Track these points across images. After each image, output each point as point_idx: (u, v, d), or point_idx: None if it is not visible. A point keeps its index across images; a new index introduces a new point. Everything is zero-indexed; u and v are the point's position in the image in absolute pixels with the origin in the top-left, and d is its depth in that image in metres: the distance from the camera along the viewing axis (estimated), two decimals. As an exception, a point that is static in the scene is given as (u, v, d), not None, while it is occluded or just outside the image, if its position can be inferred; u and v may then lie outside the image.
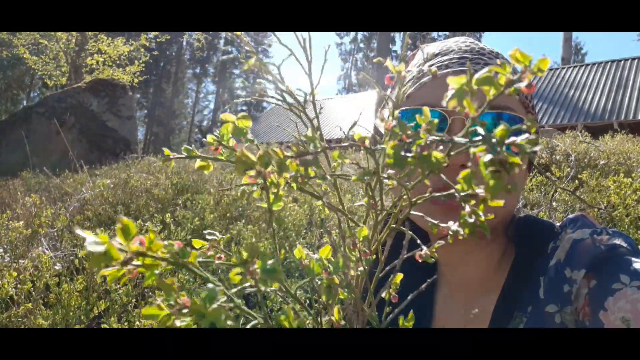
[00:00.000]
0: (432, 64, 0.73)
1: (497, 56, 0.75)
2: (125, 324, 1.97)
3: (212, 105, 45.85)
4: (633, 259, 0.54)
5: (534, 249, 0.65)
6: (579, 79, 16.47)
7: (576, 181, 4.22)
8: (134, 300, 2.13)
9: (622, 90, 14.99)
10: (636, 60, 16.34)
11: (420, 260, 0.41)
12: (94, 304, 2.04)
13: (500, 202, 0.28)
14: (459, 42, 0.76)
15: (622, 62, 16.56)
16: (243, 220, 3.24)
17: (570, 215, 0.68)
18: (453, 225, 0.38)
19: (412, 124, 0.62)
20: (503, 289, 0.65)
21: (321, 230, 3.48)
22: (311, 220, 3.67)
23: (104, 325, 1.89)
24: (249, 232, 2.95)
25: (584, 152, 5.33)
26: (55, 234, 3.07)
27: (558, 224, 0.68)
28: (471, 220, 0.30)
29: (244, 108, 48.28)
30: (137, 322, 1.91)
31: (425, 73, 0.68)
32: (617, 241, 0.57)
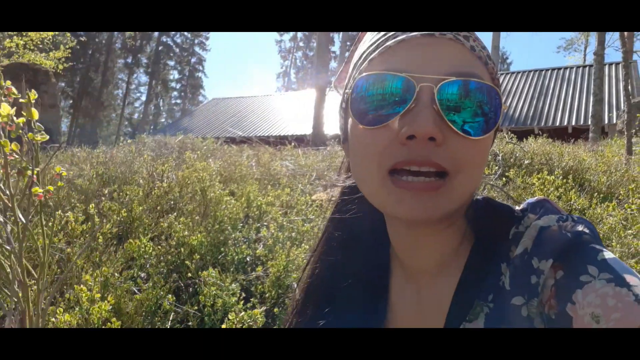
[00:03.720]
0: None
1: None
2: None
3: (143, 97, 44.05)
4: (598, 247, 0.52)
5: (494, 233, 0.61)
6: (504, 86, 17.44)
7: (504, 178, 4.41)
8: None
9: (543, 98, 16.07)
10: (556, 71, 17.59)
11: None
12: None
13: None
14: None
15: (544, 72, 17.76)
16: (175, 213, 3.08)
17: (531, 200, 0.64)
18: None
19: (374, 91, 0.56)
20: (462, 275, 0.61)
21: (259, 224, 3.39)
22: (248, 214, 3.56)
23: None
24: (182, 225, 2.81)
25: (510, 152, 5.62)
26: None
27: (518, 207, 0.65)
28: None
29: (179, 102, 46.78)
30: (53, 319, 1.73)
31: (390, 36, 0.61)
32: (580, 228, 0.54)
